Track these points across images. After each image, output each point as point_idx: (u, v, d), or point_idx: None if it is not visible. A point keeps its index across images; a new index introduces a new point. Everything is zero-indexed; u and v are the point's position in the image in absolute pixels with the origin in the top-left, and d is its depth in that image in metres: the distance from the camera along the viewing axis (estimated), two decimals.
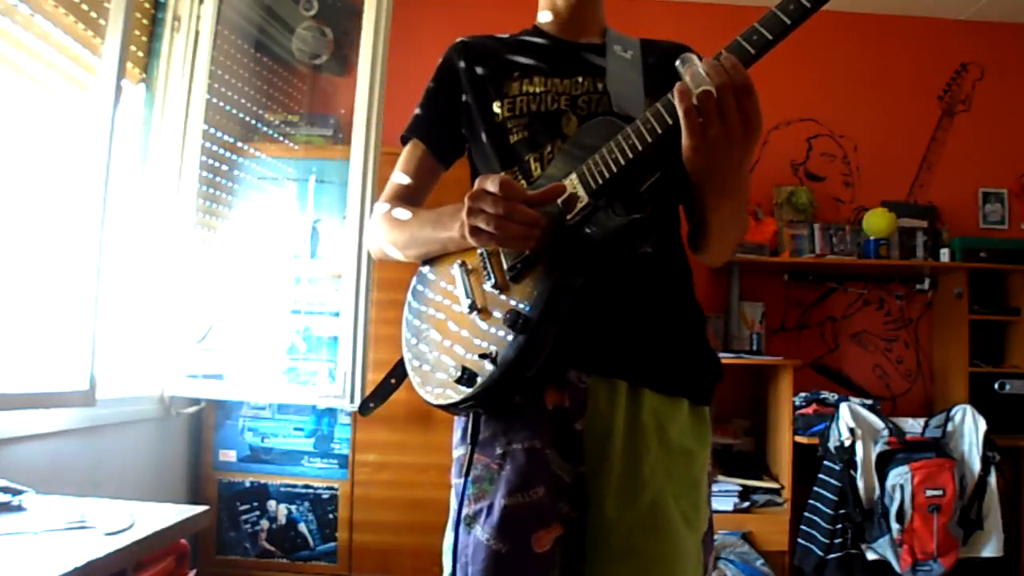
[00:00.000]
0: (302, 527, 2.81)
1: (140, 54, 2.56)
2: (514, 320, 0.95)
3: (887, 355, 3.62)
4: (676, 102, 0.85)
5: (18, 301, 1.92)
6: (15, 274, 1.91)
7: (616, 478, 1.01)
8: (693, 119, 0.85)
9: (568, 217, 0.96)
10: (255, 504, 2.82)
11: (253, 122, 3.07)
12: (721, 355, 3.15)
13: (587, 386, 1.03)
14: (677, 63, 0.87)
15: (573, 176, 0.97)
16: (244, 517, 2.81)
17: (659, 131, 0.90)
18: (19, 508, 1.32)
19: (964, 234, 3.50)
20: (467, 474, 1.03)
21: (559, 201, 0.96)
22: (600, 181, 0.94)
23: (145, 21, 2.57)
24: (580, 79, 1.12)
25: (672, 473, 1.04)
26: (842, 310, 3.64)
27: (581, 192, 0.96)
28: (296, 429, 2.83)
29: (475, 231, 0.93)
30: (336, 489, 2.80)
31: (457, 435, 1.10)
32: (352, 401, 2.50)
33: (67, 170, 2.04)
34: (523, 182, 1.08)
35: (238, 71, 2.98)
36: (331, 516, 2.79)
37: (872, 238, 3.39)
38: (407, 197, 1.22)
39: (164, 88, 2.64)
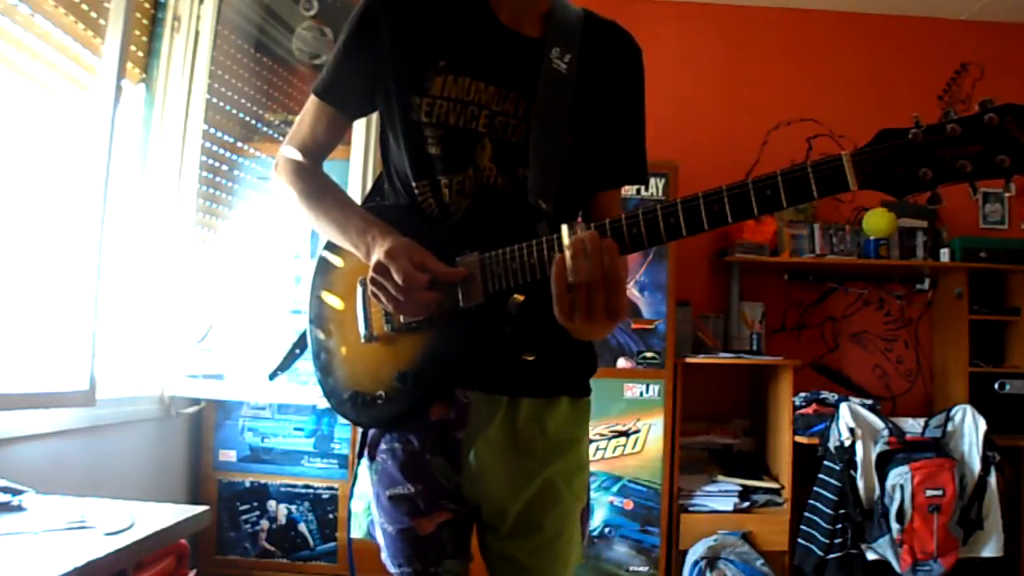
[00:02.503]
0: (302, 527, 2.81)
1: (140, 54, 2.55)
2: (403, 379, 1.06)
3: (887, 355, 3.62)
4: (551, 279, 0.90)
5: (18, 301, 1.92)
6: (15, 274, 1.91)
7: (502, 475, 1.10)
8: (563, 299, 0.90)
9: (462, 304, 1.02)
10: (255, 504, 2.81)
11: (253, 122, 3.07)
12: (721, 355, 3.21)
13: (470, 401, 1.10)
14: (563, 228, 0.91)
15: (475, 259, 1.01)
16: (244, 517, 2.81)
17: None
18: (19, 508, 1.32)
19: (964, 234, 3.50)
20: (358, 463, 1.16)
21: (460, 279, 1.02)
22: (497, 288, 1.00)
23: (145, 21, 2.57)
24: (505, 92, 1.07)
25: (559, 460, 1.12)
26: (842, 310, 3.64)
27: (479, 283, 1.01)
28: (296, 429, 2.83)
29: (375, 296, 1.03)
30: (336, 489, 2.80)
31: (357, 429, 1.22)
32: None
33: (67, 170, 2.04)
34: (432, 200, 1.09)
35: (238, 71, 2.98)
36: (331, 516, 2.79)
37: (872, 238, 3.39)
38: (313, 153, 1.19)
39: (164, 88, 2.64)
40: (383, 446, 1.13)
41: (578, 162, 1.09)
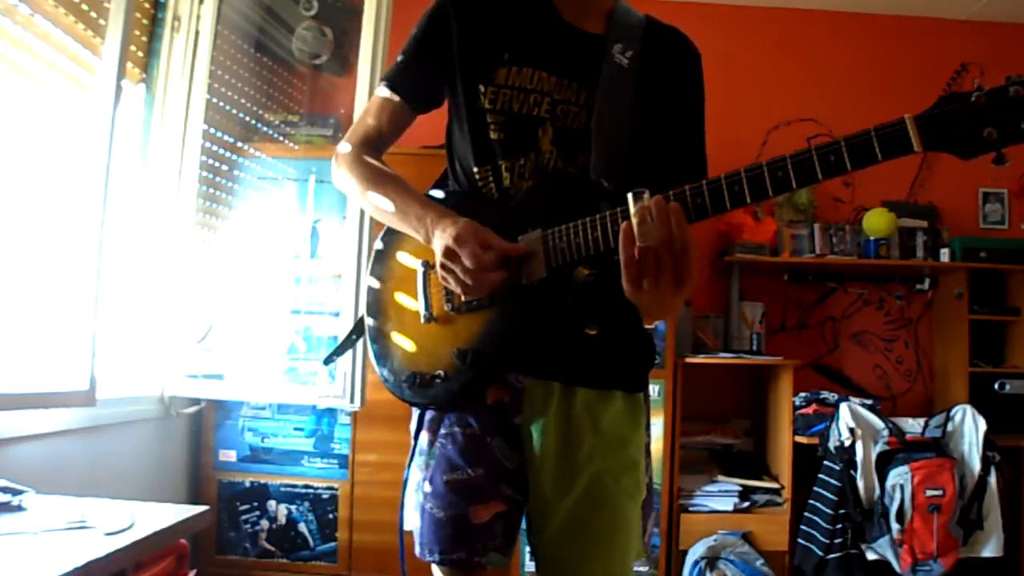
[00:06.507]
0: (302, 527, 2.81)
1: (140, 54, 2.55)
2: (463, 357, 1.07)
3: (887, 355, 3.62)
4: (619, 246, 0.91)
5: (18, 301, 1.92)
6: (15, 274, 1.91)
7: (552, 467, 1.10)
8: (631, 266, 0.90)
9: (524, 281, 1.04)
10: (255, 504, 2.81)
11: (253, 122, 3.07)
12: (721, 355, 3.21)
13: (524, 386, 1.11)
14: (629, 196, 0.91)
15: (538, 236, 1.03)
16: (244, 517, 2.81)
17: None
18: (19, 508, 1.32)
19: (964, 234, 3.50)
20: (414, 446, 1.16)
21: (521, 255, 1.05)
22: (560, 263, 1.02)
23: (145, 21, 2.57)
24: (567, 82, 1.12)
25: (609, 457, 1.12)
26: (842, 310, 3.63)
27: (541, 259, 1.03)
28: (296, 429, 2.83)
29: (444, 278, 1.05)
30: (336, 489, 2.80)
31: (414, 410, 1.20)
32: (352, 401, 2.50)
33: (67, 170, 2.04)
34: (492, 185, 1.13)
35: (238, 71, 2.98)
36: (331, 516, 2.79)
37: (872, 238, 3.39)
38: (376, 144, 1.23)
39: (164, 88, 2.64)
40: (443, 430, 1.13)
41: (639, 157, 1.11)
